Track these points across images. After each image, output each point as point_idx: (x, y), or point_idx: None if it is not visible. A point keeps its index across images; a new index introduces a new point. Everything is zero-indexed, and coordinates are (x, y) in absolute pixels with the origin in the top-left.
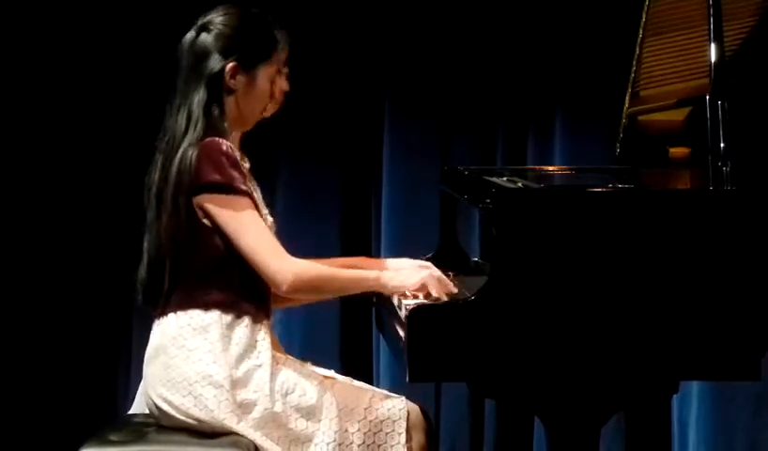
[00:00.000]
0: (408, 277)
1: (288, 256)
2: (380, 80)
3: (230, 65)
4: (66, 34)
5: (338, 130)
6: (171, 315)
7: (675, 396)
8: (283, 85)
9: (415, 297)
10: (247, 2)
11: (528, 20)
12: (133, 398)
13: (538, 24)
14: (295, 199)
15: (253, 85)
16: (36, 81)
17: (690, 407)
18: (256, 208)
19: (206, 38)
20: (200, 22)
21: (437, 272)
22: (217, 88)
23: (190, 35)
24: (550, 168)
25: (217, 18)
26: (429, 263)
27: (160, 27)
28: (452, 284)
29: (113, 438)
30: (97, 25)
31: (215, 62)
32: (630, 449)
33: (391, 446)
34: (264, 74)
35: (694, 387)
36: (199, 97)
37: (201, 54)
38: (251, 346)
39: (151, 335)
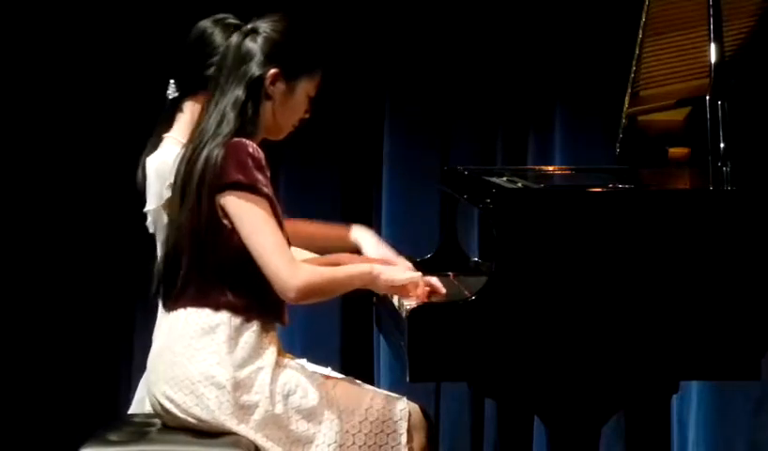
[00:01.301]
0: (397, 271)
1: (299, 264)
2: (381, 80)
3: (272, 71)
4: (66, 34)
5: (338, 130)
6: (181, 310)
7: (675, 395)
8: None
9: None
10: (258, 3)
11: (527, 20)
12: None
13: (538, 24)
14: (295, 199)
15: (290, 96)
16: (38, 79)
17: (690, 407)
18: (276, 213)
19: (253, 41)
20: (249, 26)
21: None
22: (256, 92)
23: (237, 37)
24: (550, 168)
25: (267, 24)
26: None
27: (161, 26)
28: (442, 289)
29: (112, 438)
30: (97, 25)
31: (258, 65)
32: (630, 449)
33: (392, 447)
34: (303, 87)
35: (694, 387)
36: (237, 97)
37: (246, 56)
38: (256, 351)
39: (157, 330)
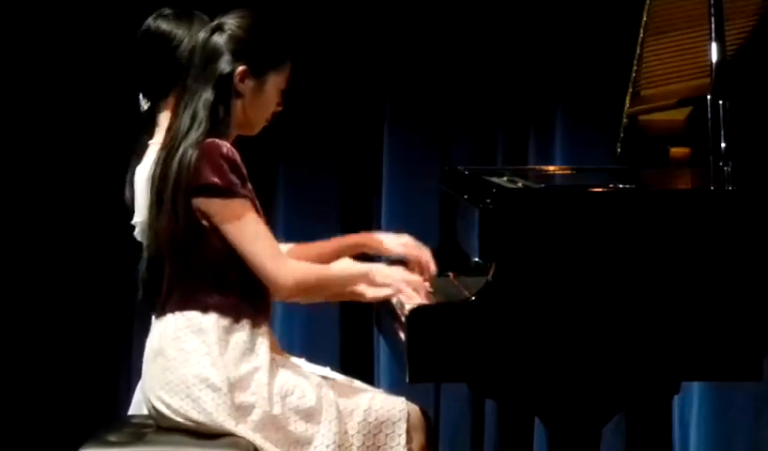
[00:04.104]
0: (395, 271)
1: (289, 260)
2: (381, 80)
3: (240, 68)
4: (65, 34)
5: (338, 130)
6: (169, 315)
7: (676, 396)
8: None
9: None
10: (251, 3)
11: (528, 20)
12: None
13: (538, 25)
14: (295, 200)
15: (260, 92)
16: (35, 80)
17: (691, 407)
18: (257, 210)
19: (219, 38)
20: (215, 22)
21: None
22: (225, 90)
23: (203, 34)
24: (550, 168)
25: (232, 20)
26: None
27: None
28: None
29: (111, 439)
30: (96, 25)
31: (225, 63)
32: (631, 450)
33: (392, 448)
34: (273, 82)
35: (695, 387)
36: (206, 97)
37: (212, 54)
38: (249, 349)
39: (150, 336)
